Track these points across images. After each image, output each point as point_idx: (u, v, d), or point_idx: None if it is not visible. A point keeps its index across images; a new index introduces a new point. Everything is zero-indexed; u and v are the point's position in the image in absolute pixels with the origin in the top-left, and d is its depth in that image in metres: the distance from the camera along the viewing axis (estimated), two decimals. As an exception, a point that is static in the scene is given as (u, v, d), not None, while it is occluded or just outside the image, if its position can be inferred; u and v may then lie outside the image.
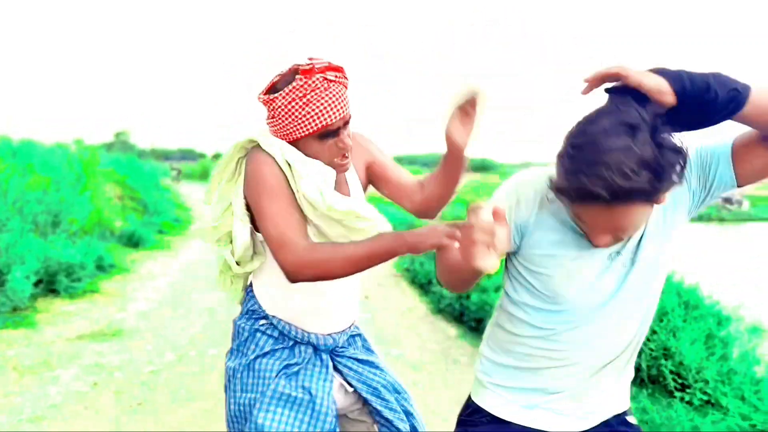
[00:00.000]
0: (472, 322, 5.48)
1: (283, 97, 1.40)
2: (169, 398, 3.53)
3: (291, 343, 1.57)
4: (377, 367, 1.71)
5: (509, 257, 1.36)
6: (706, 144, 1.25)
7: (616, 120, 1.05)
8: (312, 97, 1.39)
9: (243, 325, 1.62)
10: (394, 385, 1.73)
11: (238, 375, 1.57)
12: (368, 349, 1.76)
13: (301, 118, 1.40)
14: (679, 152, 1.07)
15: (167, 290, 6.40)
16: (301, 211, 1.45)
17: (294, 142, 1.46)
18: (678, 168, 1.07)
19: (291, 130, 1.43)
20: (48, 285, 5.72)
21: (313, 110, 1.39)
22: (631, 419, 1.46)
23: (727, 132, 1.22)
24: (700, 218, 25.52)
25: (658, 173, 1.04)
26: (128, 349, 4.37)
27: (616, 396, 1.41)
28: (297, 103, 1.39)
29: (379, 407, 1.65)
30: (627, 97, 1.08)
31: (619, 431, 1.41)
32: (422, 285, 7.16)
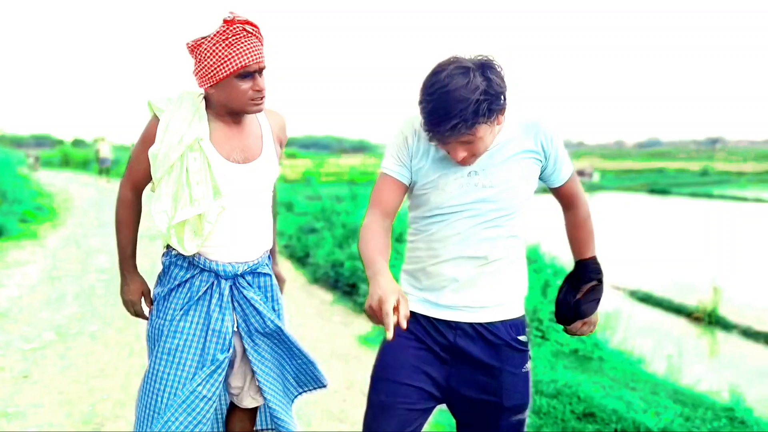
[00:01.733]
0: (345, 287, 5.95)
1: (209, 40, 1.70)
2: (56, 370, 3.67)
3: (198, 270, 1.87)
4: (263, 315, 1.94)
5: (412, 187, 1.70)
6: (558, 161, 1.68)
7: (454, 67, 1.46)
8: (233, 40, 1.68)
9: (163, 260, 1.94)
10: (276, 333, 1.98)
11: (157, 301, 1.92)
12: (273, 298, 2.01)
13: (224, 58, 1.69)
14: (501, 83, 1.48)
15: (38, 276, 6.28)
16: (148, 167, 1.82)
17: (216, 85, 1.74)
18: (502, 95, 1.48)
19: (215, 71, 1.71)
20: None
21: (234, 51, 1.69)
22: (523, 338, 1.73)
23: (566, 168, 1.70)
24: (557, 190, 27.74)
25: (490, 101, 1.45)
26: (5, 332, 4.38)
27: (496, 299, 1.68)
28: (221, 45, 1.69)
29: (248, 347, 1.96)
30: (457, 55, 1.51)
31: (508, 343, 1.68)
32: (300, 258, 7.54)
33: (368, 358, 4.03)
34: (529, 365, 1.73)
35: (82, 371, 3.67)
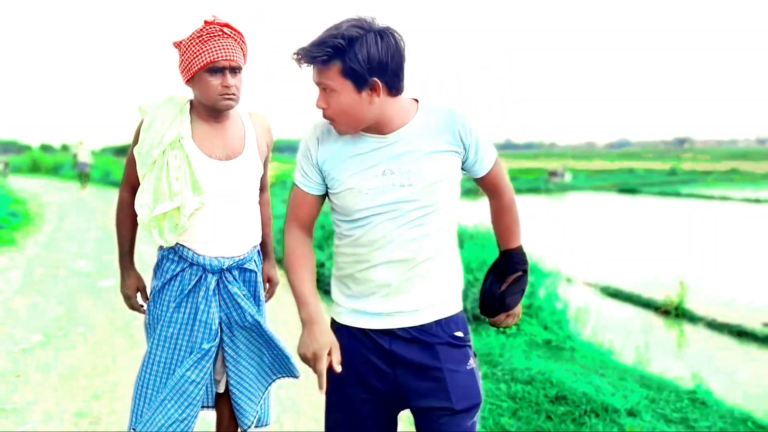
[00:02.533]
0: (326, 287, 6.07)
1: (189, 38, 1.90)
2: (47, 370, 3.77)
3: (187, 264, 2.01)
4: (244, 310, 2.07)
5: (329, 192, 1.64)
6: (480, 150, 1.59)
7: (352, 18, 1.45)
8: (207, 38, 1.87)
9: (158, 253, 2.08)
10: (255, 327, 2.10)
11: (153, 294, 2.07)
12: (255, 294, 2.14)
13: (197, 53, 1.87)
14: (381, 52, 1.42)
15: (19, 281, 6.32)
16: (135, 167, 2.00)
17: (191, 80, 1.92)
18: (373, 61, 1.42)
19: (189, 65, 1.89)
20: None
21: (207, 48, 1.87)
22: (459, 334, 1.63)
23: (487, 157, 1.62)
24: (531, 191, 28.29)
25: (351, 51, 1.40)
26: (-7, 334, 4.46)
27: (428, 300, 1.60)
28: (196, 41, 1.88)
29: (225, 338, 2.09)
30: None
31: (445, 341, 1.61)
32: (279, 259, 7.65)
33: (351, 352, 4.19)
34: (472, 362, 1.65)
35: (73, 370, 3.78)
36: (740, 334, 6.99)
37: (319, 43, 1.42)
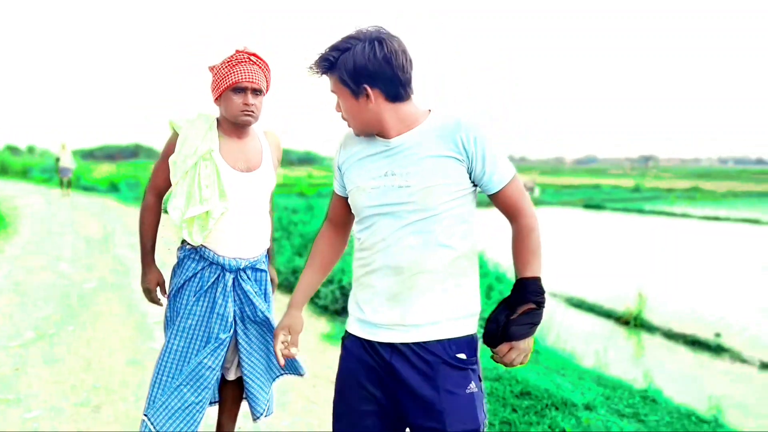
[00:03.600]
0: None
1: (221, 63, 2.22)
2: (44, 364, 3.97)
3: (207, 263, 2.27)
4: (256, 306, 2.32)
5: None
6: (488, 163, 1.55)
7: (355, 31, 1.54)
8: (236, 63, 2.20)
9: (179, 254, 2.35)
10: (265, 322, 2.36)
11: (172, 293, 2.33)
12: (264, 291, 2.39)
13: (225, 75, 2.19)
14: (369, 59, 1.50)
15: (2, 282, 6.44)
16: (168, 175, 2.26)
17: (219, 98, 2.23)
18: (363, 67, 1.50)
19: (218, 84, 2.21)
20: None
21: (233, 71, 2.19)
22: (462, 356, 1.58)
23: (502, 172, 1.56)
24: (499, 204, 28.64)
25: (338, 56, 1.52)
26: (-14, 332, 4.62)
27: (429, 317, 1.58)
28: (226, 65, 2.21)
29: (239, 330, 2.35)
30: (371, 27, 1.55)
31: (444, 360, 1.57)
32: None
33: (330, 352, 4.48)
34: (474, 386, 1.60)
35: (70, 365, 3.98)
36: (694, 343, 7.44)
37: (318, 57, 1.56)
